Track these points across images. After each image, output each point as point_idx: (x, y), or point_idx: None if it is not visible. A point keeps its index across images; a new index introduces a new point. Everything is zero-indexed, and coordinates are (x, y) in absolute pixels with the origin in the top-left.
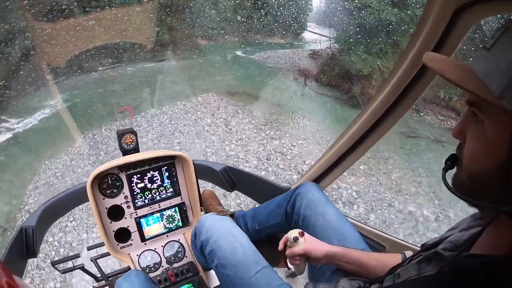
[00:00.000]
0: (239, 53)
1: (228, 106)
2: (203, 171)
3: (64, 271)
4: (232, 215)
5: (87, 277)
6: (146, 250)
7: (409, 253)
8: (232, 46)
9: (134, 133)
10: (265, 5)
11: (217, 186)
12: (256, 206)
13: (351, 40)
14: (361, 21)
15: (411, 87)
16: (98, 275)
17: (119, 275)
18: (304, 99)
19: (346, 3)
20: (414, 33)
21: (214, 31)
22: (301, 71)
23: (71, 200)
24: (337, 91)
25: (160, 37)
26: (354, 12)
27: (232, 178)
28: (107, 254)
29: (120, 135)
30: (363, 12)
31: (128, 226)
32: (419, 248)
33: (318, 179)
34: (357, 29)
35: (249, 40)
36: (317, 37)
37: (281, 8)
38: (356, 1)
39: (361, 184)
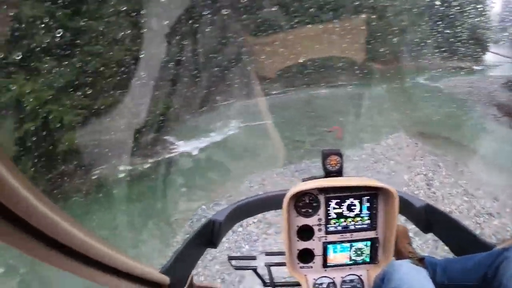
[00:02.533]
0: (420, 80)
1: (425, 155)
2: (399, 204)
3: (237, 268)
4: (421, 260)
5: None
6: (324, 276)
7: None
8: (411, 71)
9: (340, 154)
10: (448, 21)
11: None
12: (451, 257)
13: None
14: None
15: None
16: (268, 280)
17: (286, 287)
18: None
19: None
20: None
21: (390, 54)
22: (501, 107)
23: (262, 204)
24: None
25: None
26: None
27: (430, 219)
28: (282, 264)
29: (326, 155)
30: None
31: (313, 249)
32: None
33: None
34: None
35: (427, 64)
36: (501, 60)
37: (464, 25)
38: None
39: None
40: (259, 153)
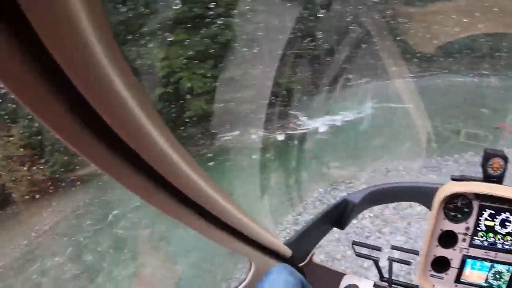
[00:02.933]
0: None
1: None
2: None
3: (358, 255)
4: None
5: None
6: None
7: None
8: None
9: (505, 158)
10: None
11: None
12: None
13: None
14: None
15: None
16: (386, 275)
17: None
18: None
19: None
20: None
21: None
22: None
23: (403, 194)
24: None
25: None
26: None
27: None
28: (405, 262)
29: (488, 156)
30: None
31: (451, 259)
32: None
33: None
34: None
35: None
36: None
37: None
38: None
39: None
40: (390, 140)
